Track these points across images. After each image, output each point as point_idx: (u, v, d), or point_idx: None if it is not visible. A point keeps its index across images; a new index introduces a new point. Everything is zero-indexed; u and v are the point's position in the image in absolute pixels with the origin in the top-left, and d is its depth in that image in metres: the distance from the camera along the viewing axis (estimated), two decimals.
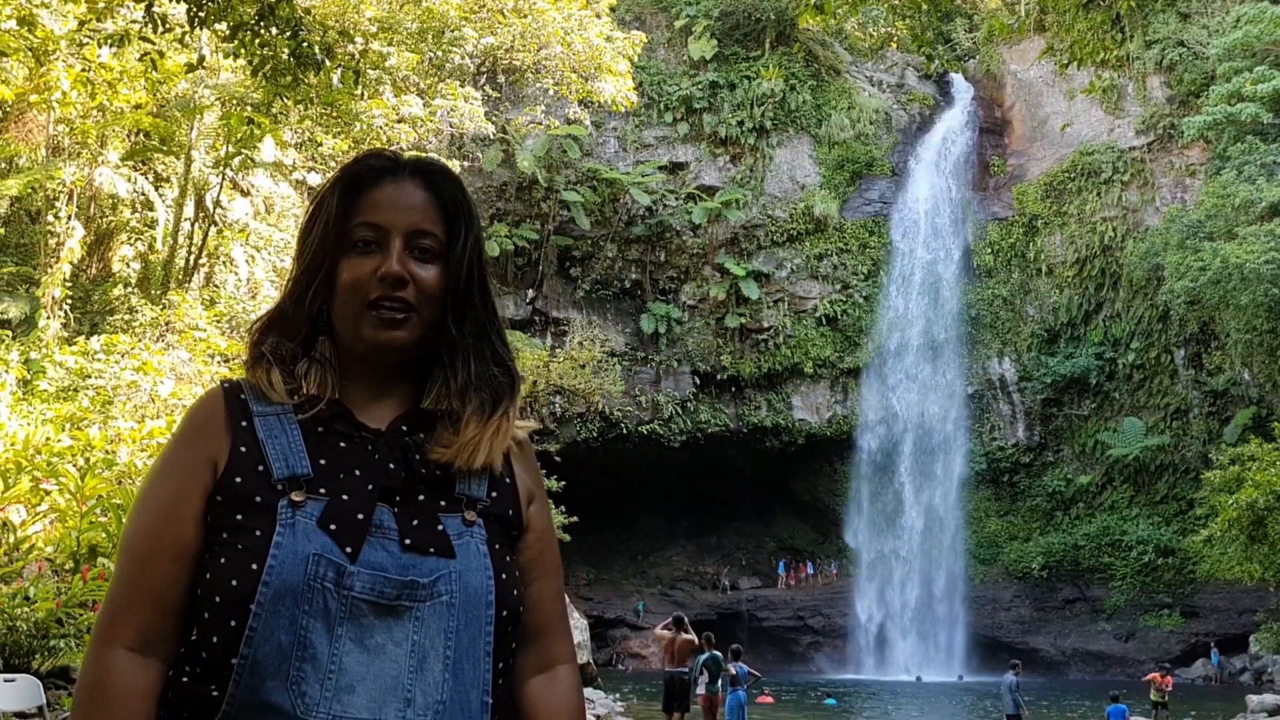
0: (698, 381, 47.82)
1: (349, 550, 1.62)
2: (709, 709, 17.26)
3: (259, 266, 30.14)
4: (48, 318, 24.93)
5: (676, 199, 47.59)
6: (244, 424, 1.72)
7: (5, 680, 8.01)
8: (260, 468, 1.68)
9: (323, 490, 1.66)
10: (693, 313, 48.09)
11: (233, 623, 1.59)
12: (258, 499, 1.65)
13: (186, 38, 11.60)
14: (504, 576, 1.72)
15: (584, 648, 24.44)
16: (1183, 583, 42.97)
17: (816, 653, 48.45)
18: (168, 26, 11.32)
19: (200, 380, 22.45)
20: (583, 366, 36.20)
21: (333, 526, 1.63)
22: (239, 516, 1.65)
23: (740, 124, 48.14)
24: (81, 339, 23.99)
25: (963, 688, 38.69)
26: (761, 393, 48.43)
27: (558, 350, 41.29)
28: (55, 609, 10.55)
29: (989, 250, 48.13)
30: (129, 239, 29.88)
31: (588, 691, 21.61)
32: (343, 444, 1.73)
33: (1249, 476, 26.22)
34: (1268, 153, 39.80)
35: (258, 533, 1.62)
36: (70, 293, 26.43)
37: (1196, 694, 35.20)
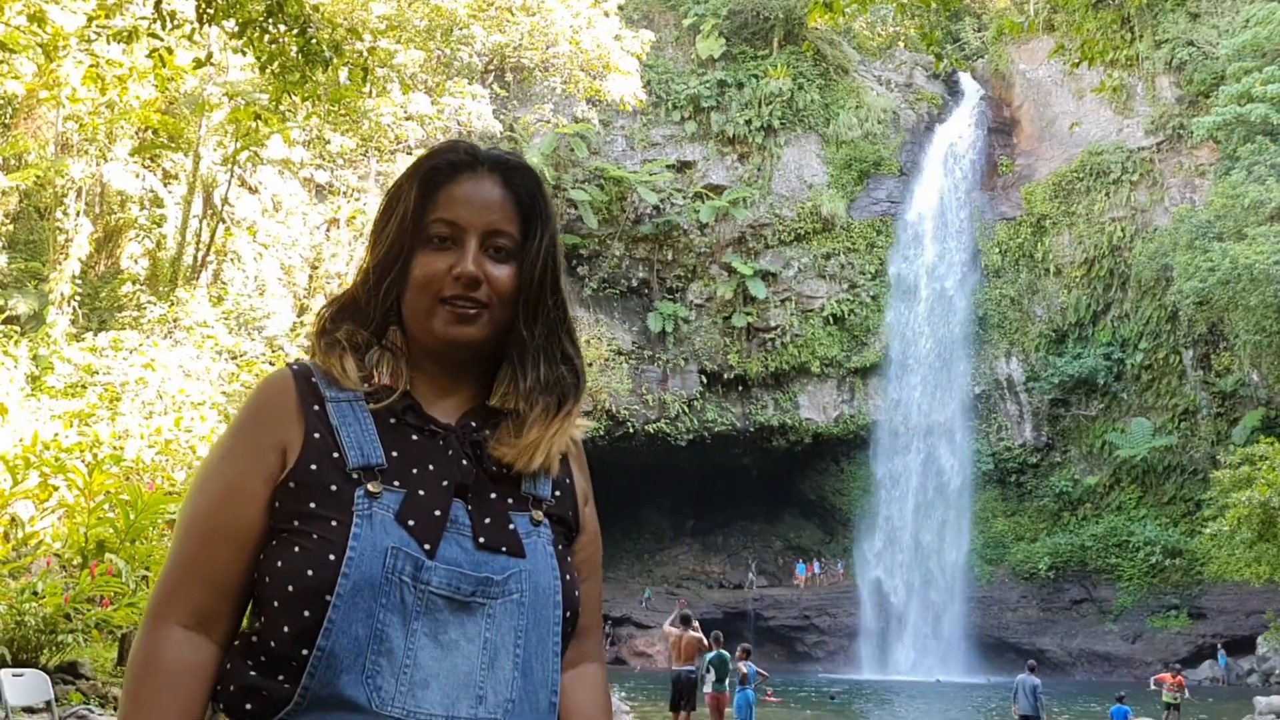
0: (704, 380, 47.81)
1: (427, 547, 1.62)
2: (716, 708, 17.24)
3: (267, 264, 30.20)
4: (56, 314, 24.98)
5: (684, 198, 47.58)
6: (316, 409, 1.70)
7: (14, 675, 8.02)
8: (335, 455, 1.66)
9: (397, 483, 1.65)
10: (700, 311, 48.08)
11: (307, 613, 1.57)
12: (333, 487, 1.64)
13: (195, 34, 11.59)
14: (568, 578, 1.73)
15: None
16: (1190, 584, 42.87)
17: (823, 652, 48.40)
18: (177, 23, 11.32)
19: (208, 377, 22.49)
20: (589, 365, 36.16)
21: (411, 522, 1.62)
22: (313, 505, 1.63)
23: (748, 123, 48.11)
24: (90, 335, 24.06)
25: (989, 688, 38.47)
26: (768, 392, 48.41)
27: None
28: (63, 604, 10.57)
29: (997, 250, 48.05)
30: (137, 236, 29.95)
31: None
32: (414, 437, 1.72)
33: (1259, 475, 26.13)
34: (1277, 153, 39.69)
35: (334, 523, 1.61)
36: (79, 289, 26.50)
37: (1204, 696, 35.09)
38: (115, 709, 9.98)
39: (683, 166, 48.01)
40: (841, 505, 50.10)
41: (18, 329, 23.52)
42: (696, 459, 48.38)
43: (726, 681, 17.40)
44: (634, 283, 47.83)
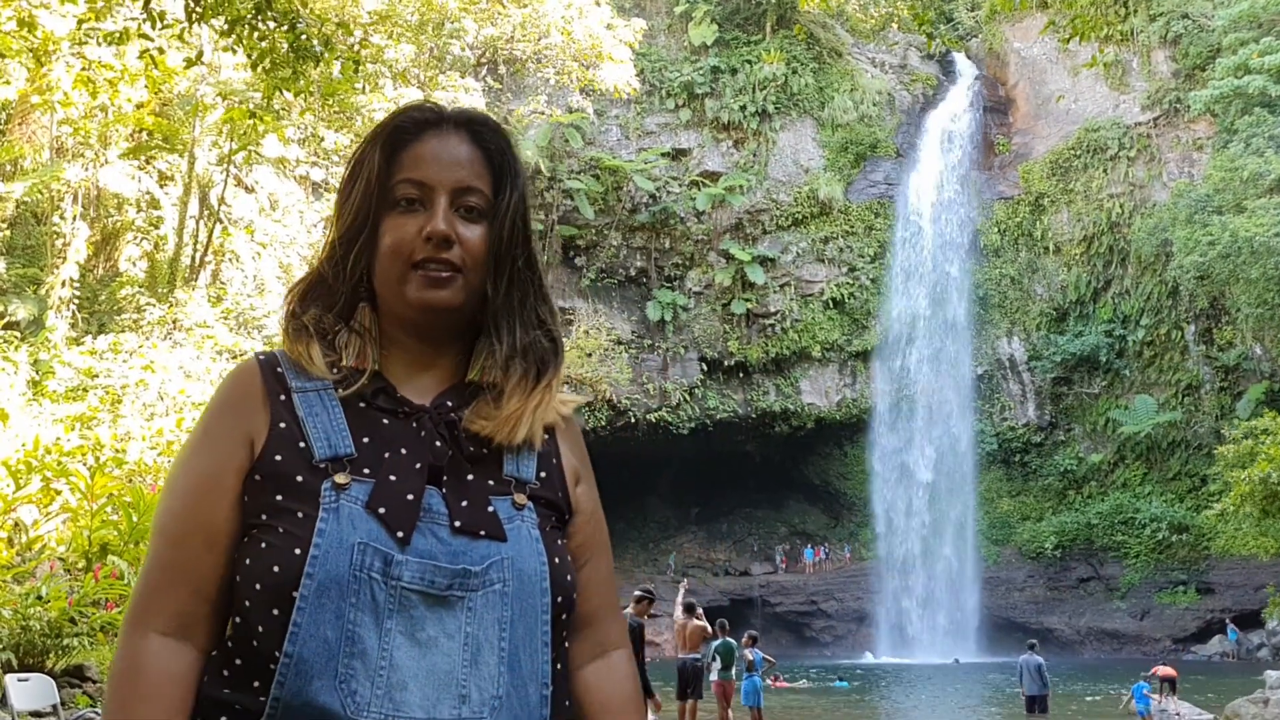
0: (705, 368, 47.79)
1: (400, 535, 1.53)
2: (723, 696, 17.24)
3: (265, 262, 30.16)
4: (55, 318, 24.96)
5: (680, 185, 47.49)
6: (282, 398, 1.63)
7: (19, 680, 8.02)
8: (301, 445, 1.59)
9: (367, 471, 1.57)
10: (699, 299, 48.03)
11: (275, 611, 1.50)
12: (299, 479, 1.56)
13: (185, 34, 11.54)
14: (557, 561, 1.63)
15: None
16: (1197, 559, 42.89)
17: (831, 637, 48.48)
18: (166, 23, 11.26)
19: (208, 377, 22.48)
20: (589, 355, 36.08)
21: (382, 510, 1.54)
22: (279, 498, 1.56)
23: (742, 108, 48.00)
24: (90, 339, 24.04)
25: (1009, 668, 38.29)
26: (769, 378, 48.38)
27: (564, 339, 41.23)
28: (68, 608, 10.57)
29: (995, 230, 47.97)
30: (135, 238, 29.90)
31: None
32: (385, 421, 1.63)
33: (1262, 450, 26.10)
34: (1275, 124, 39.57)
35: (300, 515, 1.53)
36: (78, 293, 26.46)
37: (1214, 671, 35.10)
38: None
39: (678, 154, 47.92)
40: (846, 489, 50.11)
41: (18, 334, 23.50)
42: (699, 447, 48.38)
43: (733, 669, 17.40)
44: (632, 272, 47.78)
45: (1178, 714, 21.74)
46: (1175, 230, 41.18)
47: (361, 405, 1.64)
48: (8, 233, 27.69)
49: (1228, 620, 41.40)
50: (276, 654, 1.49)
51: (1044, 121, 48.62)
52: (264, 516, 1.56)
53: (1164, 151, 45.26)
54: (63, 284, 25.54)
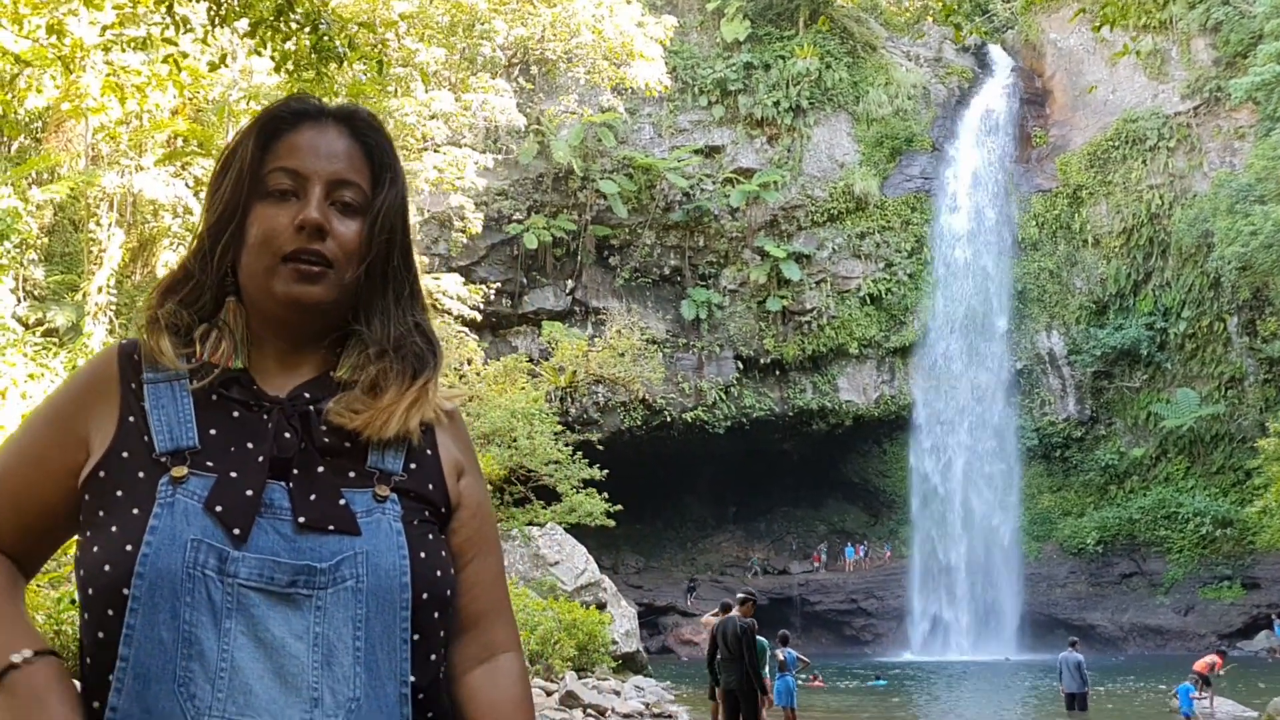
0: (741, 366, 47.57)
1: (237, 532, 1.47)
2: None
3: None
4: (93, 324, 25.24)
5: (714, 183, 47.28)
6: (134, 387, 1.59)
7: None
8: (145, 439, 1.55)
9: (210, 464, 1.51)
10: (733, 297, 47.80)
11: (110, 612, 1.45)
12: (140, 474, 1.51)
13: (208, 37, 11.59)
14: (423, 555, 1.55)
15: (633, 635, 24.42)
16: (1242, 554, 42.21)
17: (871, 635, 48.17)
18: (189, 27, 11.31)
19: None
20: (622, 355, 35.92)
21: (219, 508, 1.48)
22: (119, 493, 1.51)
23: (776, 104, 47.73)
24: None
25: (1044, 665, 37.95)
26: (806, 375, 48.10)
27: (597, 339, 41.13)
28: None
29: (1033, 223, 47.44)
30: (171, 244, 30.18)
31: (639, 680, 21.58)
32: (236, 413, 1.58)
33: None
34: None
35: (135, 511, 1.48)
36: (115, 299, 26.74)
37: (1259, 667, 34.52)
38: None
39: (711, 151, 47.71)
40: (885, 487, 49.75)
41: (56, 341, 23.78)
42: (736, 446, 48.16)
43: (766, 669, 17.27)
44: (666, 271, 47.64)
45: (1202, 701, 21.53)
46: (1217, 221, 40.53)
47: (214, 398, 1.59)
48: (46, 240, 28.06)
49: (1274, 616, 40.71)
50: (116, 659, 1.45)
51: (1082, 113, 48.00)
52: (102, 514, 1.51)
53: (1204, 141, 44.55)
54: (99, 290, 25.82)
